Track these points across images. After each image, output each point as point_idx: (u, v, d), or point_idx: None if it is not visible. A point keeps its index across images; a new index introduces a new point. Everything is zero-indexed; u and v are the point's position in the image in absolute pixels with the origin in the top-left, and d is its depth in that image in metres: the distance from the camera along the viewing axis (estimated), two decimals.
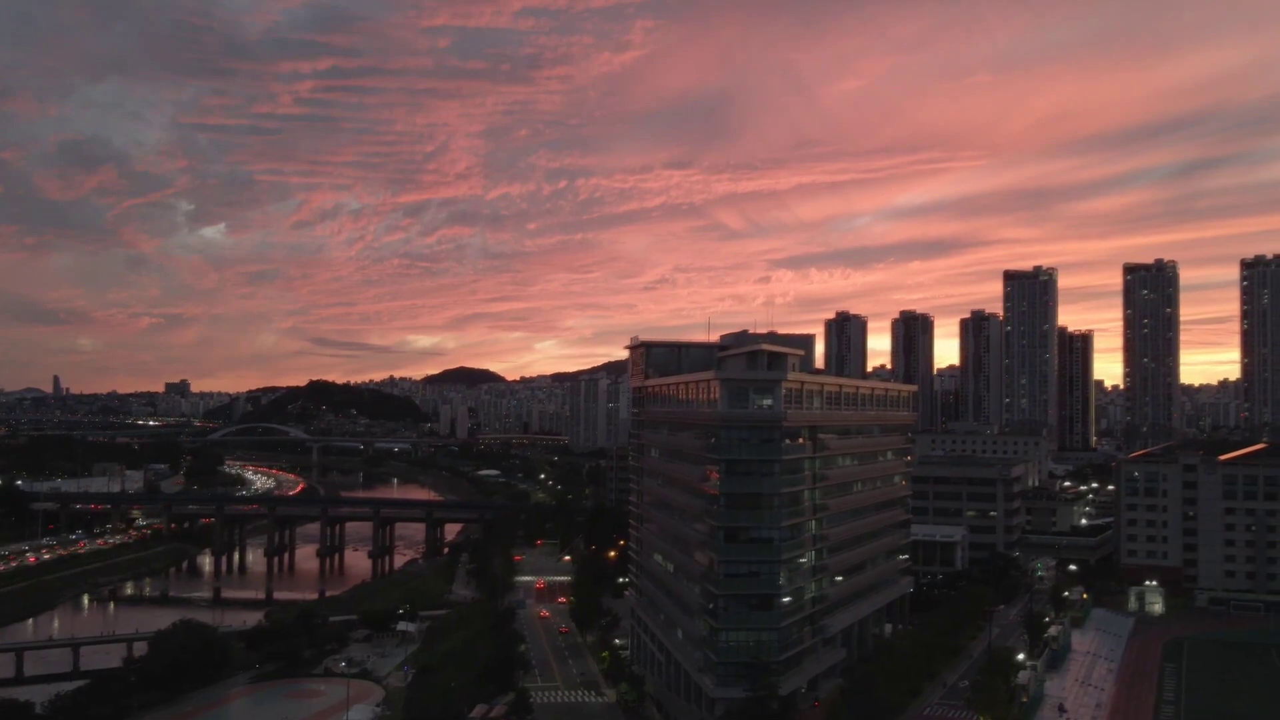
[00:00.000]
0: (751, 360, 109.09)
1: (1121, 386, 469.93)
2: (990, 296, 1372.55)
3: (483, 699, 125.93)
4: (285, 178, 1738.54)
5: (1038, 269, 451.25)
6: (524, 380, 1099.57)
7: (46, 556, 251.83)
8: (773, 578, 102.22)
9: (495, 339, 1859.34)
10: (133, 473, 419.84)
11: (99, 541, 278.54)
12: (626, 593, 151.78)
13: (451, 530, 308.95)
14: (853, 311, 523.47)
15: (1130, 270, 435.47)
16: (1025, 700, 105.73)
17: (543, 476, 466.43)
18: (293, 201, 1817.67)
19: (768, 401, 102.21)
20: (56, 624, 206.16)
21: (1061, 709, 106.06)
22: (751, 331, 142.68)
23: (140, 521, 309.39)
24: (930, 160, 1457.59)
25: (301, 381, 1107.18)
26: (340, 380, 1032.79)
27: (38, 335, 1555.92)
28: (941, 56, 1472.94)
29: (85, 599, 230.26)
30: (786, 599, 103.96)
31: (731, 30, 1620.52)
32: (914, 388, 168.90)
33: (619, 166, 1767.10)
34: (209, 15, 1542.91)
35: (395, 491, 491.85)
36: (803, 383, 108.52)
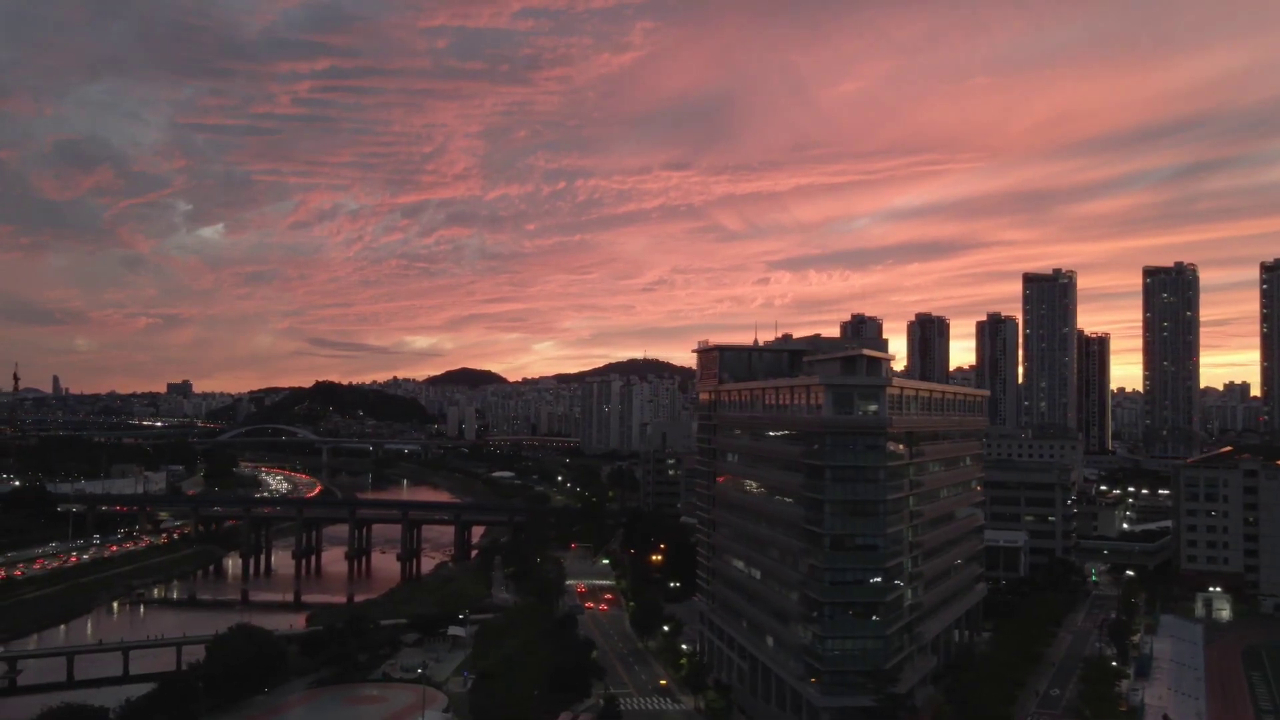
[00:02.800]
0: (849, 365, 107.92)
1: (1131, 389, 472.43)
2: (991, 298, 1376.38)
3: (560, 706, 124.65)
4: (283, 178, 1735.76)
5: (1057, 271, 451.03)
6: (527, 381, 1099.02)
7: (86, 558, 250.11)
8: (878, 585, 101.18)
9: (493, 340, 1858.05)
10: (151, 474, 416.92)
11: (128, 544, 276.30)
12: (695, 597, 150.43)
13: (471, 533, 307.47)
14: (862, 314, 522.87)
15: (1150, 273, 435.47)
16: (1124, 709, 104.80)
17: (560, 479, 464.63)
18: (290, 202, 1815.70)
19: (873, 407, 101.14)
20: (89, 627, 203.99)
21: (1166, 719, 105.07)
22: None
23: (165, 523, 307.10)
24: (930, 162, 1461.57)
25: (299, 382, 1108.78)
26: (338, 381, 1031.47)
27: (34, 335, 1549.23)
28: (941, 59, 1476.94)
29: (115, 603, 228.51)
30: (890, 606, 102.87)
31: (731, 32, 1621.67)
32: (986, 393, 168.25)
33: (618, 168, 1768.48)
34: (206, 15, 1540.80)
35: (406, 493, 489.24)
36: (902, 388, 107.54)
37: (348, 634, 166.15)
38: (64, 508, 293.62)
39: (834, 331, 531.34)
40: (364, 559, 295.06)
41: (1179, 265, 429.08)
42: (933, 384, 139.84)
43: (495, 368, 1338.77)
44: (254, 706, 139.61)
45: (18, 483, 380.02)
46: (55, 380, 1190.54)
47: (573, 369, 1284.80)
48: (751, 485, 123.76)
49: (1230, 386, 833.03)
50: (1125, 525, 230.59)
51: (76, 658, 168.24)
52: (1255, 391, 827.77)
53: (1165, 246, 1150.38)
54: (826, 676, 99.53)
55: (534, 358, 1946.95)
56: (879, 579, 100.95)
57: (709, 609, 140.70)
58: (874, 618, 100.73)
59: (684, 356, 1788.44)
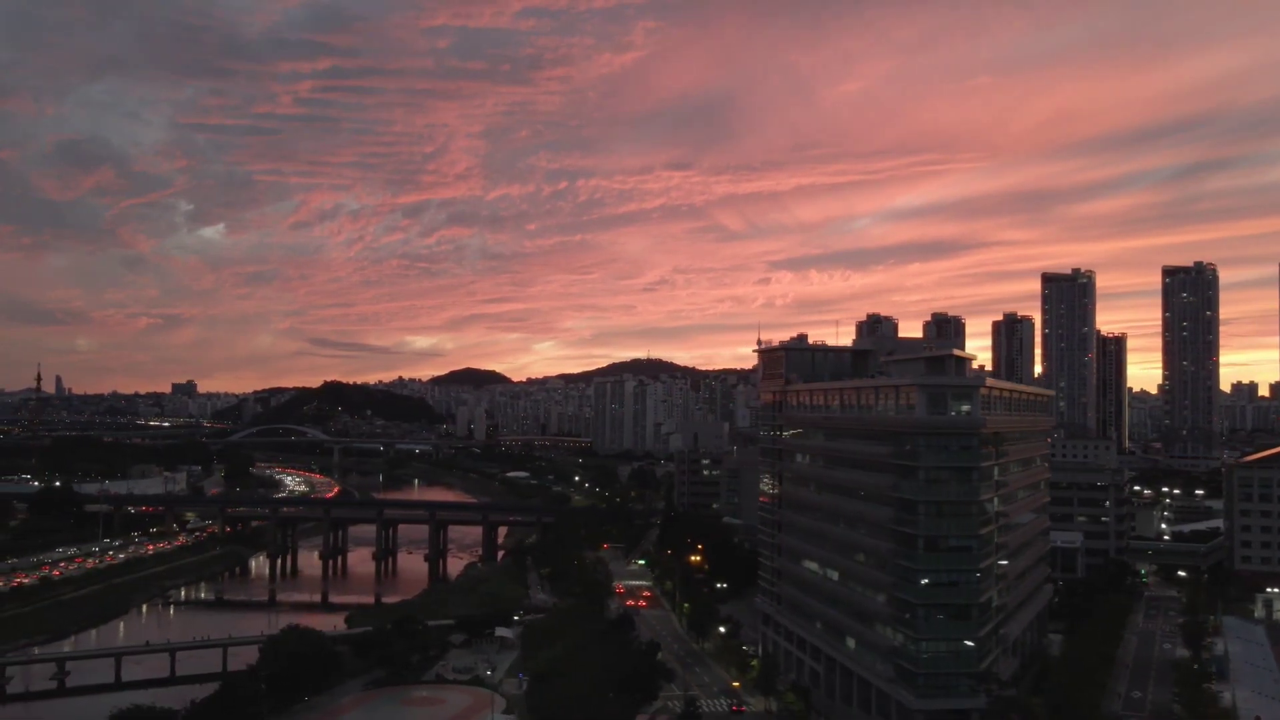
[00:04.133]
0: (937, 365, 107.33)
1: (1139, 389, 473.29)
2: (993, 298, 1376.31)
3: (627, 709, 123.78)
4: (284, 178, 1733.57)
5: (1076, 271, 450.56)
6: (532, 381, 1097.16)
7: (122, 558, 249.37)
8: (971, 586, 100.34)
9: (494, 340, 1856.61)
10: (170, 474, 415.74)
11: (159, 544, 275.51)
12: (757, 599, 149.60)
13: (497, 534, 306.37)
14: (877, 314, 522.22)
15: (1169, 273, 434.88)
16: (1215, 712, 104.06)
17: (577, 479, 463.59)
18: (291, 202, 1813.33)
19: (966, 407, 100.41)
20: (121, 629, 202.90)
21: None
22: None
23: (191, 524, 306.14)
24: (930, 162, 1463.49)
25: (301, 383, 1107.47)
26: (343, 381, 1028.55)
27: (35, 335, 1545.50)
28: (943, 59, 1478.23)
29: (150, 605, 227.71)
30: (983, 608, 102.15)
31: (733, 31, 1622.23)
32: (1051, 393, 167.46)
33: (619, 168, 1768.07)
34: (208, 15, 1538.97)
35: (418, 493, 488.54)
36: (990, 388, 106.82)
37: (397, 635, 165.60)
38: (92, 508, 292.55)
39: (826, 332, 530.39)
40: (390, 559, 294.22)
41: (1198, 265, 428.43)
42: (1013, 384, 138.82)
43: (496, 368, 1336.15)
44: (312, 708, 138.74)
45: (36, 483, 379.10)
46: (58, 380, 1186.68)
47: (574, 369, 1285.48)
48: (827, 486, 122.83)
49: (1238, 386, 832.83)
50: (1163, 525, 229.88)
51: (124, 659, 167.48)
52: (1264, 392, 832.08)
53: (1166, 246, 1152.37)
54: (920, 679, 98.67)
55: (535, 358, 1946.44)
56: (973, 581, 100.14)
57: (774, 610, 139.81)
58: (968, 620, 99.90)
59: (686, 356, 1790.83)
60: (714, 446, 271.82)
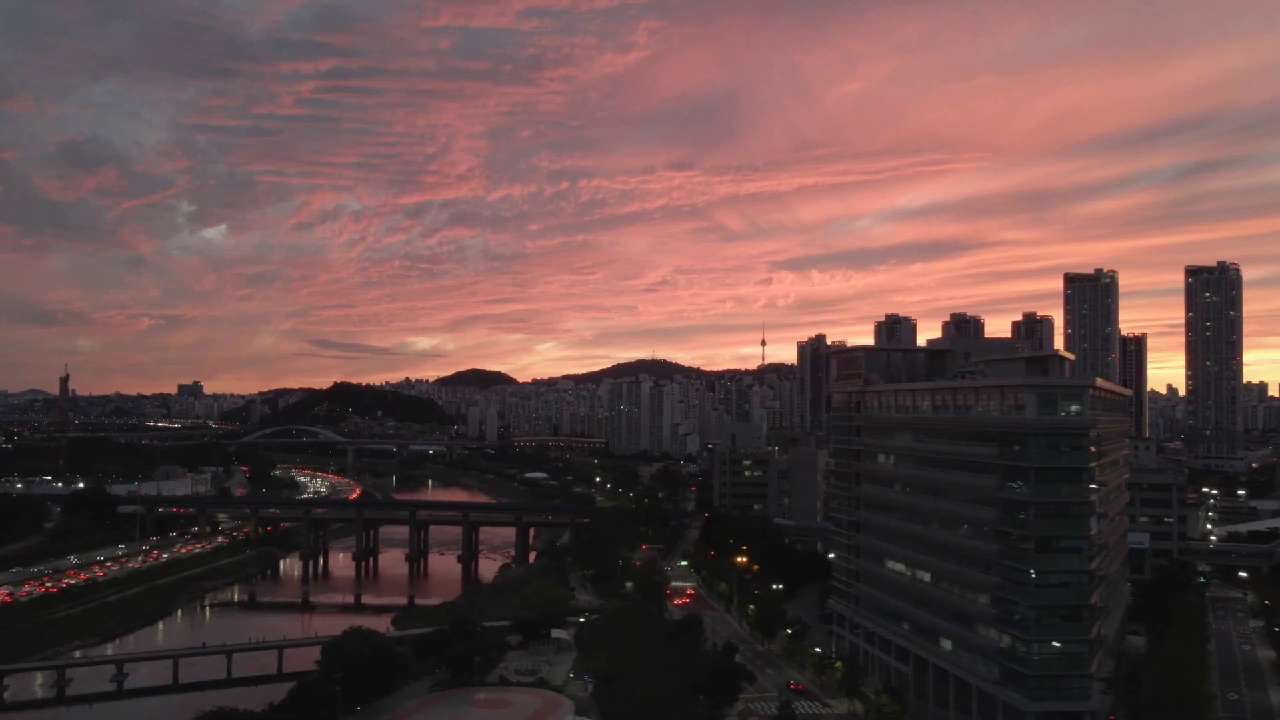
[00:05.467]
0: (1039, 365, 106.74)
1: (1149, 389, 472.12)
2: (995, 298, 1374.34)
3: (707, 711, 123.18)
4: (286, 179, 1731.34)
5: (1099, 271, 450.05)
6: (537, 382, 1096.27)
7: (165, 558, 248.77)
8: (1082, 587, 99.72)
9: (495, 341, 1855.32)
10: (194, 475, 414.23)
11: (195, 545, 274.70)
12: (829, 600, 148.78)
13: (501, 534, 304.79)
14: (896, 314, 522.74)
15: (1192, 272, 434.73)
16: None
17: (598, 480, 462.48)
18: (293, 203, 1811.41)
19: (1075, 408, 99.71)
20: (160, 632, 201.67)
21: None
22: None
23: (223, 525, 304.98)
24: (932, 162, 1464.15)
25: (303, 383, 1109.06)
26: (350, 382, 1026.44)
27: (36, 336, 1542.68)
28: (945, 58, 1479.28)
29: (195, 605, 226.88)
30: (1093, 609, 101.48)
31: (735, 32, 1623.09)
32: (1129, 392, 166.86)
33: (621, 168, 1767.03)
34: (209, 15, 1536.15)
35: (430, 494, 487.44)
36: (1097, 389, 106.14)
37: (457, 636, 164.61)
38: (124, 509, 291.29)
39: (837, 332, 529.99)
40: (422, 561, 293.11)
41: (1222, 264, 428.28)
42: (1107, 383, 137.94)
43: (498, 368, 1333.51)
44: (380, 710, 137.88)
45: (59, 484, 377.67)
46: (62, 381, 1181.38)
47: (575, 370, 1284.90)
48: (916, 487, 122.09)
49: (1248, 386, 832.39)
50: (1209, 526, 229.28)
51: (181, 661, 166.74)
52: (1274, 392, 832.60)
53: (1169, 246, 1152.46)
54: (1032, 681, 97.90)
55: (536, 358, 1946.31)
56: (1084, 582, 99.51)
57: (851, 611, 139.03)
58: (1079, 621, 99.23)
59: (688, 357, 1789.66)
60: (751, 447, 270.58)
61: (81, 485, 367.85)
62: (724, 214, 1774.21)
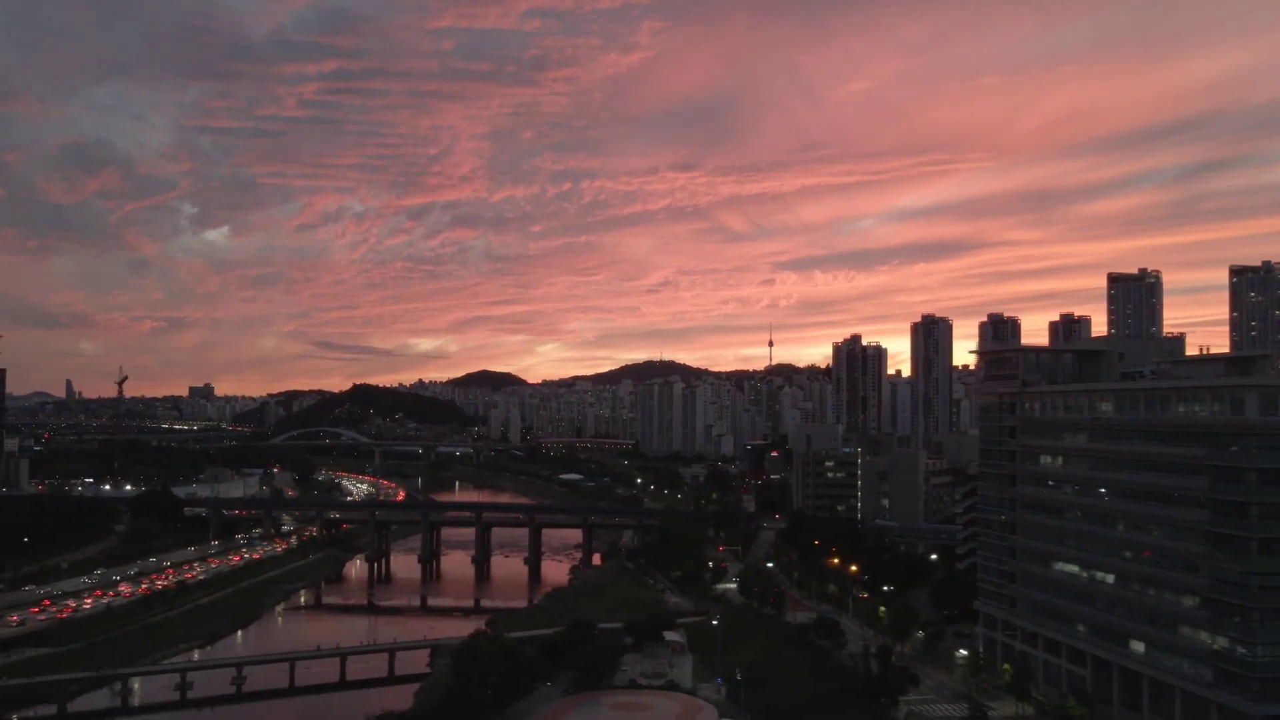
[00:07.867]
0: (1243, 365, 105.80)
1: None
2: (996, 298, 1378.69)
3: (868, 715, 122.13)
4: (288, 181, 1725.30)
5: (1143, 271, 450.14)
6: (546, 383, 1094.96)
7: (251, 559, 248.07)
8: None
9: (498, 342, 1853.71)
10: (242, 477, 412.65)
11: (268, 547, 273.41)
12: (977, 602, 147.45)
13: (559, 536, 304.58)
14: (932, 314, 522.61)
15: (1236, 272, 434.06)
16: None
17: (639, 481, 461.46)
18: (296, 204, 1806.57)
19: None
20: (240, 637, 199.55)
21: None
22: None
23: (286, 527, 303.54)
24: (936, 162, 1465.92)
25: (307, 385, 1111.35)
26: (348, 383, 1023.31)
27: (40, 338, 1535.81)
28: (949, 58, 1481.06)
29: (280, 607, 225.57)
30: None
31: (738, 32, 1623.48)
32: None
33: (624, 169, 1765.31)
34: (212, 17, 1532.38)
35: (460, 495, 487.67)
36: None
37: (580, 639, 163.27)
38: (190, 511, 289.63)
39: (837, 333, 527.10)
40: (486, 563, 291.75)
41: (1267, 264, 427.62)
42: None
43: (501, 369, 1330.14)
44: (520, 714, 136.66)
45: (107, 486, 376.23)
46: (68, 384, 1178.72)
47: (578, 371, 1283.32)
48: (1095, 488, 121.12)
49: None
50: None
51: (297, 664, 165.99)
52: None
53: (1173, 246, 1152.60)
54: (1255, 684, 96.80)
55: (539, 359, 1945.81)
56: None
57: (1006, 613, 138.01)
58: None
59: (690, 357, 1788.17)
60: (827, 448, 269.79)
61: (129, 487, 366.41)
62: (727, 215, 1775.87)
